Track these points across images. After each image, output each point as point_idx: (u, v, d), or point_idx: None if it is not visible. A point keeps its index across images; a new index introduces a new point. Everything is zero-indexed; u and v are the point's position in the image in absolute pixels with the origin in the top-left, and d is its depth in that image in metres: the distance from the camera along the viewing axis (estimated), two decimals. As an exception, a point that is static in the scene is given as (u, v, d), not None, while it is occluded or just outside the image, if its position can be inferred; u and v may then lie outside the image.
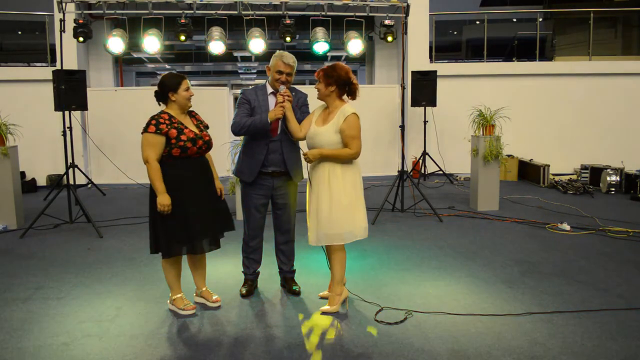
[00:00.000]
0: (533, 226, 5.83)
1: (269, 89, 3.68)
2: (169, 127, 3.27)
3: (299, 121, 3.60)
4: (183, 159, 3.32)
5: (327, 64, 3.61)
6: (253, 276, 3.92)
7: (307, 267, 4.37)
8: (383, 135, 9.58)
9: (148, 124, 3.27)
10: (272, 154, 3.63)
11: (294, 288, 3.85)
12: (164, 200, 3.22)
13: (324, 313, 3.46)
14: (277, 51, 3.65)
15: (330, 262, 3.55)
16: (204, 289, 3.67)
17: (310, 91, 3.88)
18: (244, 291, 3.82)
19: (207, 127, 3.56)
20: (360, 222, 3.44)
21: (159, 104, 3.45)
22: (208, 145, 3.45)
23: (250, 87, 3.78)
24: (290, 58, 3.60)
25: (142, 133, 3.28)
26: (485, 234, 5.53)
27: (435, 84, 8.91)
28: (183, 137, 3.29)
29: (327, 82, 3.42)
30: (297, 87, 3.88)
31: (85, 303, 3.69)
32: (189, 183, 3.34)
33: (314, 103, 3.63)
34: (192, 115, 3.52)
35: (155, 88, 3.42)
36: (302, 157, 3.47)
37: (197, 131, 3.39)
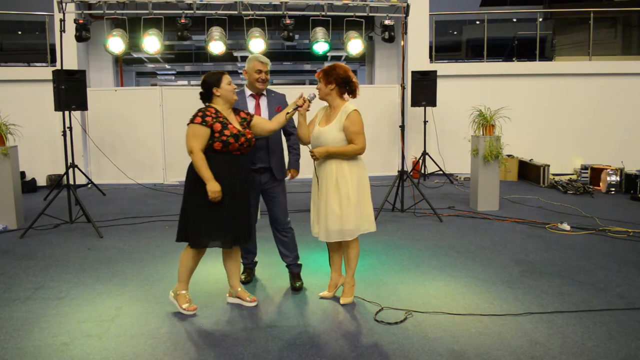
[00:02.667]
0: (533, 226, 5.83)
1: (247, 92, 3.84)
2: (214, 120, 3.33)
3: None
4: (224, 153, 3.35)
5: (327, 64, 3.65)
6: (252, 265, 4.15)
7: (307, 267, 4.37)
8: (383, 135, 9.58)
9: (195, 116, 3.34)
10: (258, 151, 3.74)
11: (296, 284, 3.92)
12: (214, 187, 3.26)
13: (344, 304, 3.61)
14: (250, 55, 3.86)
15: (347, 255, 3.65)
16: (239, 289, 3.67)
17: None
18: (243, 277, 4.03)
19: (251, 119, 3.55)
20: (368, 216, 3.57)
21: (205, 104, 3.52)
22: (249, 143, 3.45)
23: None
24: (264, 57, 3.81)
25: (187, 124, 3.34)
26: (485, 234, 5.53)
27: (435, 84, 8.91)
28: (226, 132, 3.32)
29: (327, 81, 3.49)
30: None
31: (85, 303, 3.69)
32: (226, 178, 3.34)
33: (316, 104, 3.64)
34: (237, 112, 3.55)
35: (200, 91, 3.48)
36: (309, 154, 3.51)
37: (240, 128, 3.42)
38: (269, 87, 3.95)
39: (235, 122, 3.44)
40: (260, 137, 3.67)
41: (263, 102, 3.85)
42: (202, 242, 3.40)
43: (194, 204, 3.36)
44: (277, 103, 3.85)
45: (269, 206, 3.89)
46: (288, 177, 3.98)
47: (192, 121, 3.33)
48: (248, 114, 3.59)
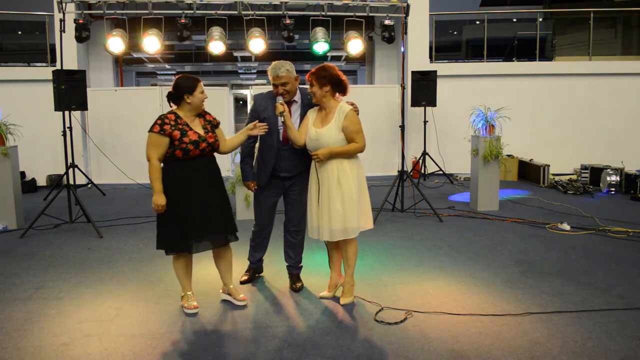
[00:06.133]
0: (533, 226, 5.83)
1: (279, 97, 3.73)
2: (172, 128, 3.30)
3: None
4: (186, 160, 3.33)
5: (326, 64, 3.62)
6: (256, 265, 4.11)
7: (307, 267, 4.36)
8: (383, 135, 9.58)
9: (154, 124, 3.31)
10: (284, 161, 3.71)
11: (297, 285, 3.92)
12: (158, 200, 3.28)
13: (344, 304, 3.60)
14: (272, 63, 3.66)
15: (345, 254, 3.65)
16: (231, 286, 3.67)
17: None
18: (244, 278, 4.04)
19: (217, 125, 3.53)
20: (367, 214, 3.60)
21: (170, 105, 3.46)
22: (212, 147, 3.43)
23: (263, 92, 3.80)
24: (279, 69, 3.58)
25: (148, 131, 3.33)
26: (485, 234, 5.53)
27: (435, 84, 8.91)
28: (186, 140, 3.30)
29: (321, 83, 3.48)
30: (300, 87, 3.87)
31: (85, 303, 3.69)
32: (190, 184, 3.35)
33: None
34: (202, 115, 3.51)
35: (169, 89, 3.41)
36: (312, 158, 3.51)
37: (202, 133, 3.39)
38: (301, 85, 3.81)
39: (197, 127, 3.40)
40: (285, 148, 3.67)
41: (294, 110, 3.70)
42: (175, 247, 3.40)
43: (160, 213, 3.35)
44: (309, 106, 3.68)
45: (287, 208, 3.90)
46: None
47: (150, 129, 3.31)
48: (215, 119, 3.55)
